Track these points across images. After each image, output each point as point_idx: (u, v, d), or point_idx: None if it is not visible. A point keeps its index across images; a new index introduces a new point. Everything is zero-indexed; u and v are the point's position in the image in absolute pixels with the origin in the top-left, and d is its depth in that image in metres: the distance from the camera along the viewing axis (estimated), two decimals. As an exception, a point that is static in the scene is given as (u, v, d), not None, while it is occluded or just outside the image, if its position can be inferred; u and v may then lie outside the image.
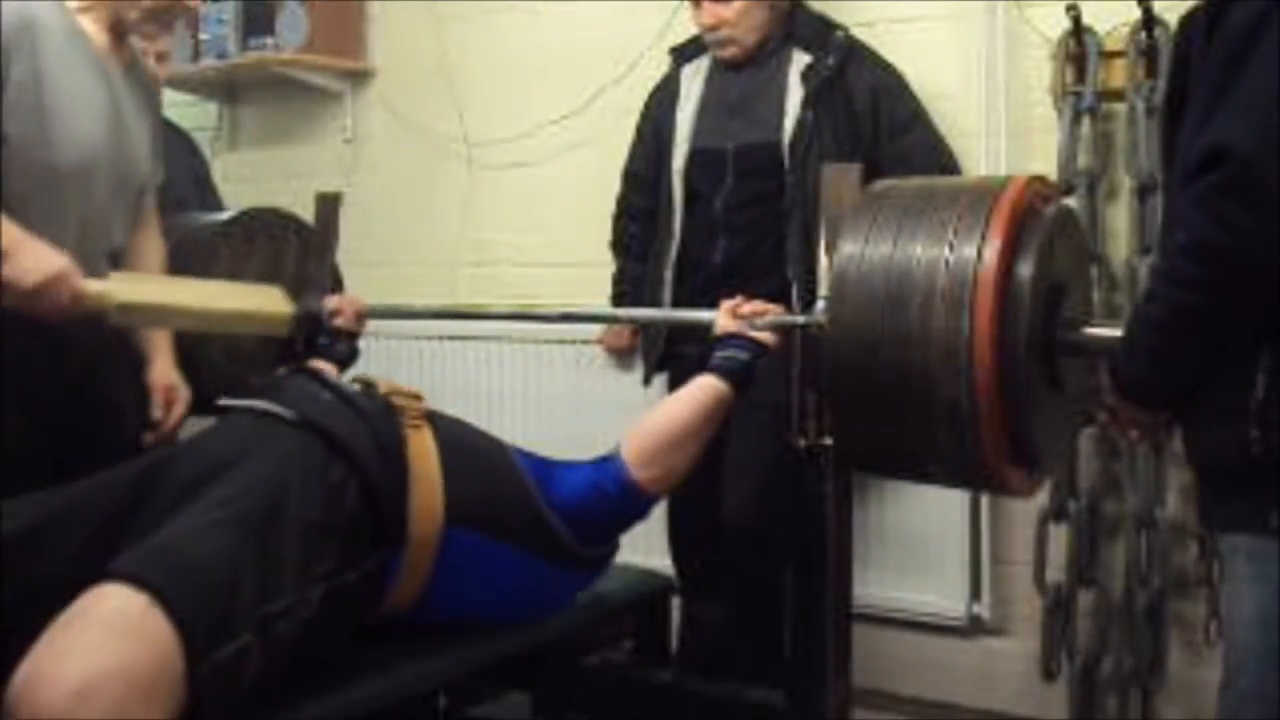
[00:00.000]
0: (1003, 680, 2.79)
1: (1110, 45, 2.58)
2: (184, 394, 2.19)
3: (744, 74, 2.73)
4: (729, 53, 2.71)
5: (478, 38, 3.55)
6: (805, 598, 1.93)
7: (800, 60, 2.66)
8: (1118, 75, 2.57)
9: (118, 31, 2.09)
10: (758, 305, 2.04)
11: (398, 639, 1.83)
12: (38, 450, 1.93)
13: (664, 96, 2.86)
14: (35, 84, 1.92)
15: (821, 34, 2.68)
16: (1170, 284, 1.43)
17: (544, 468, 2.00)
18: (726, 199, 2.67)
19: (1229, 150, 1.32)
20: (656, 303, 2.76)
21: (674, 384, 2.81)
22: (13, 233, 1.80)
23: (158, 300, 2.01)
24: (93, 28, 2.04)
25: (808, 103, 2.61)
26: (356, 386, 1.96)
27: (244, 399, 1.90)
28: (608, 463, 1.96)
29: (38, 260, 1.80)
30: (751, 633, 2.66)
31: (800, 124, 2.60)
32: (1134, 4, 2.50)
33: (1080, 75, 2.61)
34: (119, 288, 1.92)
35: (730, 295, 2.15)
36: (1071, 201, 2.44)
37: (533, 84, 3.42)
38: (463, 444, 1.93)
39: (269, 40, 3.68)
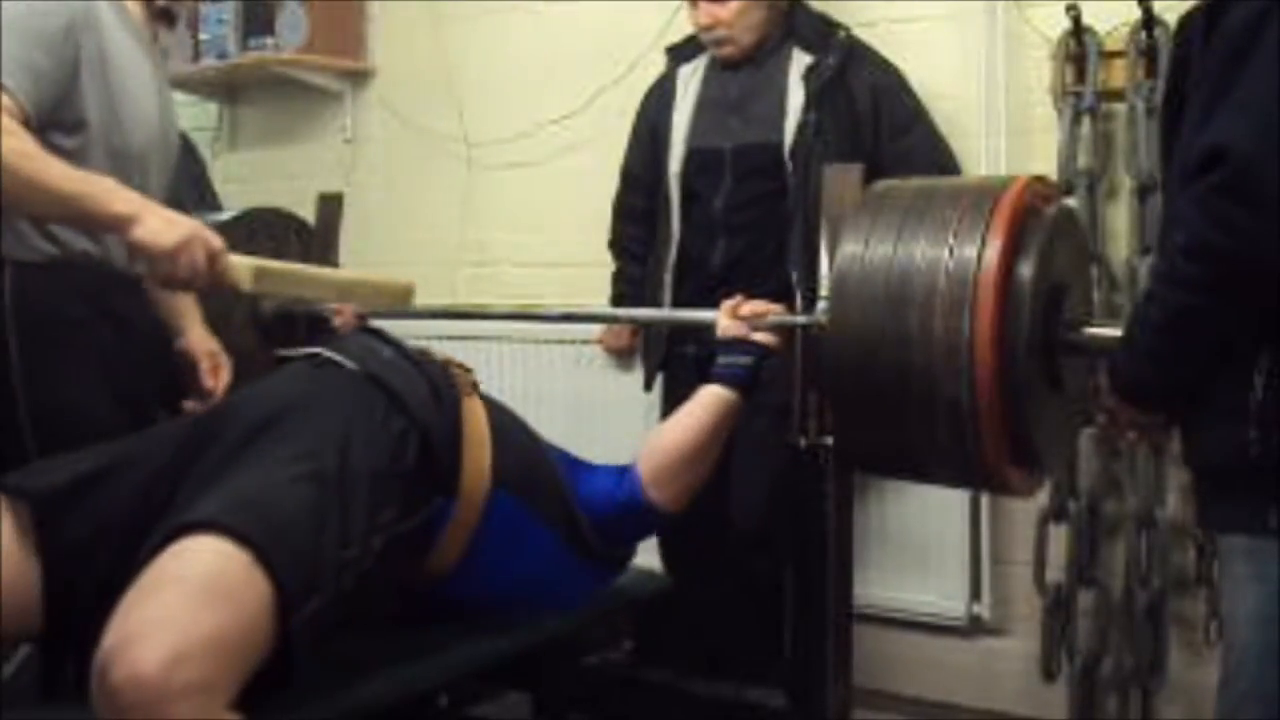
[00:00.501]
0: (1003, 680, 2.79)
1: (1110, 45, 2.58)
2: (226, 359, 2.18)
3: (742, 73, 2.72)
4: (725, 52, 2.70)
5: (478, 38, 3.54)
6: (805, 598, 1.93)
7: (801, 60, 2.65)
8: (1118, 75, 2.57)
9: (153, 7, 2.07)
10: (758, 305, 2.03)
11: (398, 637, 1.83)
12: (121, 431, 1.94)
13: (660, 96, 2.85)
14: (101, 65, 1.90)
15: (822, 34, 2.67)
16: (1170, 285, 1.43)
17: (572, 466, 2.02)
18: (726, 199, 2.66)
19: (1228, 150, 1.32)
20: (656, 305, 2.76)
21: (671, 382, 2.82)
22: (135, 198, 1.79)
23: (291, 268, 1.99)
24: (130, 2, 2.02)
25: (809, 104, 2.60)
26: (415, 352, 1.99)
27: (307, 349, 1.93)
28: (625, 479, 1.97)
29: (169, 222, 1.77)
30: (752, 632, 2.66)
31: (802, 126, 2.60)
32: (1134, 4, 2.50)
33: (1080, 75, 2.61)
34: (247, 259, 1.91)
35: (731, 297, 2.14)
36: (1071, 201, 2.44)
37: (533, 84, 3.41)
38: (509, 422, 1.97)
39: (269, 40, 3.68)
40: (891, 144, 2.61)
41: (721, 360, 2.02)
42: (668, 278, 2.74)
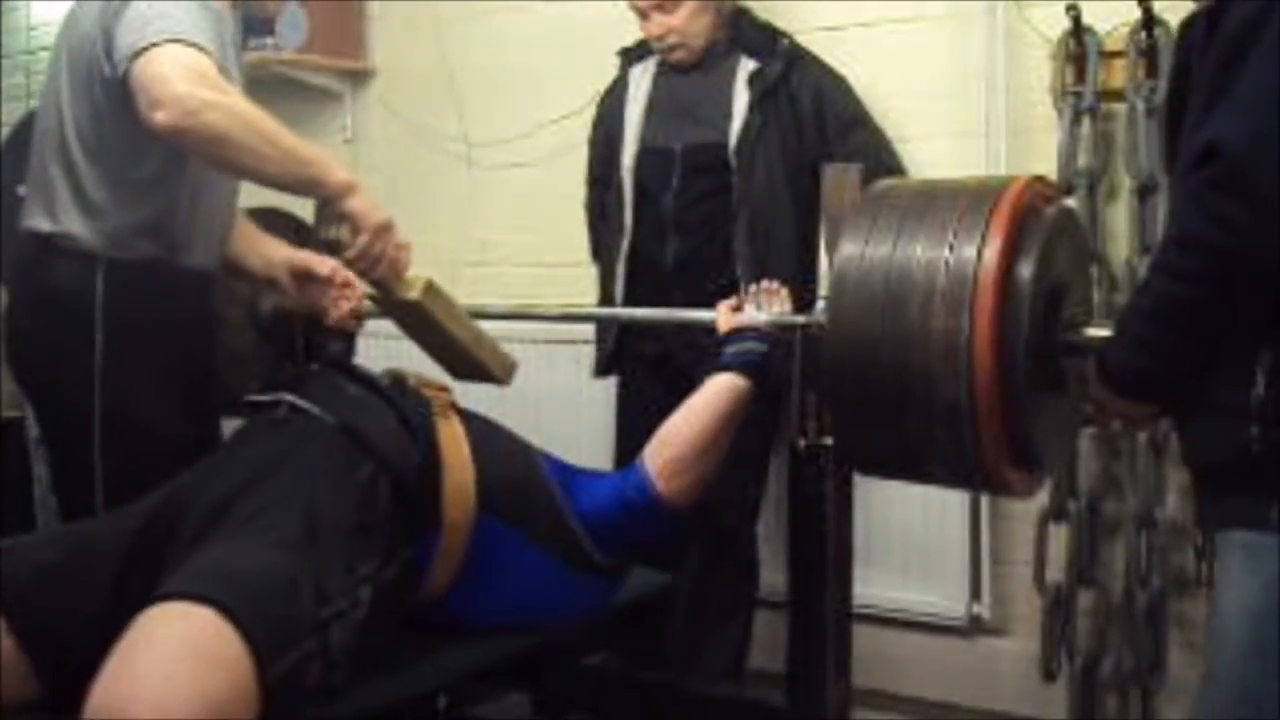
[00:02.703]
0: (1003, 680, 2.79)
1: (1110, 45, 2.58)
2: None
3: (691, 76, 2.79)
4: (677, 56, 2.77)
5: (478, 38, 3.54)
6: (805, 598, 1.93)
7: (747, 66, 2.71)
8: (1118, 75, 2.58)
9: (235, 4, 2.12)
10: (770, 288, 2.05)
11: (398, 638, 1.83)
12: (180, 444, 1.97)
13: (613, 99, 2.92)
14: (223, 55, 1.94)
15: (768, 41, 2.74)
16: (1163, 275, 1.43)
17: (568, 475, 1.99)
18: (675, 198, 2.72)
19: (1222, 146, 1.32)
20: (609, 299, 2.81)
21: (626, 381, 2.87)
22: (346, 171, 1.90)
23: (449, 298, 2.05)
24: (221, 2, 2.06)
25: (753, 107, 2.66)
26: (385, 379, 1.97)
27: (271, 394, 1.90)
28: (631, 475, 1.94)
29: (375, 203, 1.92)
30: (715, 616, 2.68)
31: (746, 127, 2.66)
32: (1134, 4, 2.49)
33: (1080, 75, 2.61)
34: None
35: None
36: (1071, 201, 2.44)
37: (533, 84, 3.42)
38: (491, 438, 1.94)
39: (269, 40, 3.68)
40: (840, 144, 2.65)
41: (732, 349, 2.00)
42: (621, 269, 2.78)
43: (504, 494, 1.84)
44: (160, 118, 1.74)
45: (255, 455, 1.76)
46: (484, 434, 1.92)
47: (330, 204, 1.90)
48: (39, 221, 1.99)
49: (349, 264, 1.94)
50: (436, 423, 1.85)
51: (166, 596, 1.42)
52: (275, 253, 2.19)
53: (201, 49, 1.80)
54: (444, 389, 1.96)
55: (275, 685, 1.40)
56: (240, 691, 1.37)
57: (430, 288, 1.98)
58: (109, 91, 1.89)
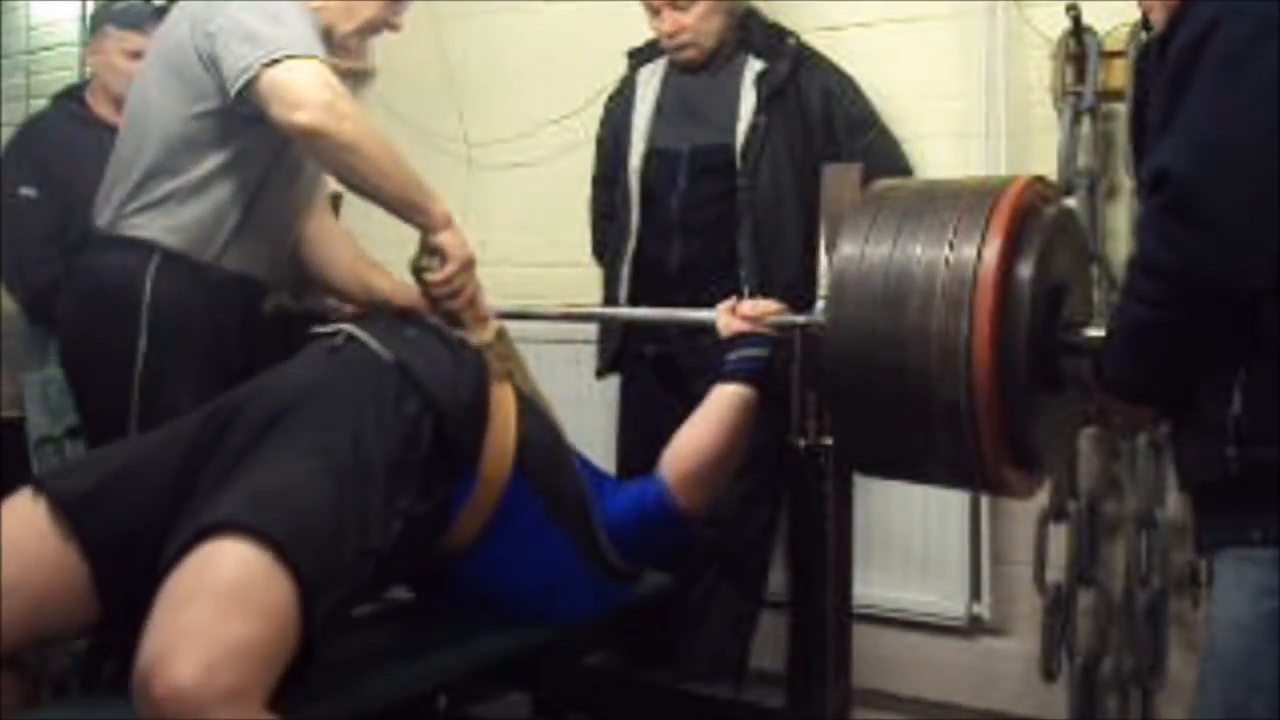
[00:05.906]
0: (1003, 680, 2.79)
1: (1110, 45, 2.58)
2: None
3: (699, 78, 2.78)
4: (688, 55, 2.76)
5: (478, 38, 3.55)
6: (805, 598, 1.94)
7: (754, 67, 2.71)
8: (1118, 75, 2.58)
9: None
10: (763, 305, 2.03)
11: (398, 637, 1.83)
12: None
13: (621, 100, 2.91)
14: None
15: (775, 41, 2.73)
16: (1130, 299, 1.47)
17: (594, 476, 2.01)
18: (681, 200, 2.72)
19: (1170, 172, 1.35)
20: (613, 300, 2.81)
21: (628, 382, 2.87)
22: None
23: (514, 347, 2.10)
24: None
25: (760, 108, 2.66)
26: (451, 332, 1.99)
27: (332, 326, 1.94)
28: (650, 487, 1.96)
29: (465, 241, 2.02)
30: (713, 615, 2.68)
31: (753, 128, 2.66)
32: (1134, 4, 2.49)
33: (1080, 75, 2.61)
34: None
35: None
36: (1071, 201, 2.44)
37: (533, 84, 3.42)
38: (537, 416, 1.97)
39: (269, 40, 3.67)
40: (849, 143, 2.65)
41: (732, 357, 2.00)
42: (625, 270, 2.78)
43: (539, 465, 1.88)
44: (303, 117, 1.83)
45: (308, 374, 1.80)
46: (531, 409, 1.95)
47: (425, 232, 1.99)
48: (104, 212, 2.04)
49: (429, 289, 2.00)
50: (490, 380, 1.89)
51: (224, 527, 1.45)
52: (379, 284, 2.26)
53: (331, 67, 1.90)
54: (504, 359, 1.99)
55: (314, 627, 1.46)
56: (285, 636, 1.43)
57: (501, 334, 2.05)
58: (198, 89, 1.96)
